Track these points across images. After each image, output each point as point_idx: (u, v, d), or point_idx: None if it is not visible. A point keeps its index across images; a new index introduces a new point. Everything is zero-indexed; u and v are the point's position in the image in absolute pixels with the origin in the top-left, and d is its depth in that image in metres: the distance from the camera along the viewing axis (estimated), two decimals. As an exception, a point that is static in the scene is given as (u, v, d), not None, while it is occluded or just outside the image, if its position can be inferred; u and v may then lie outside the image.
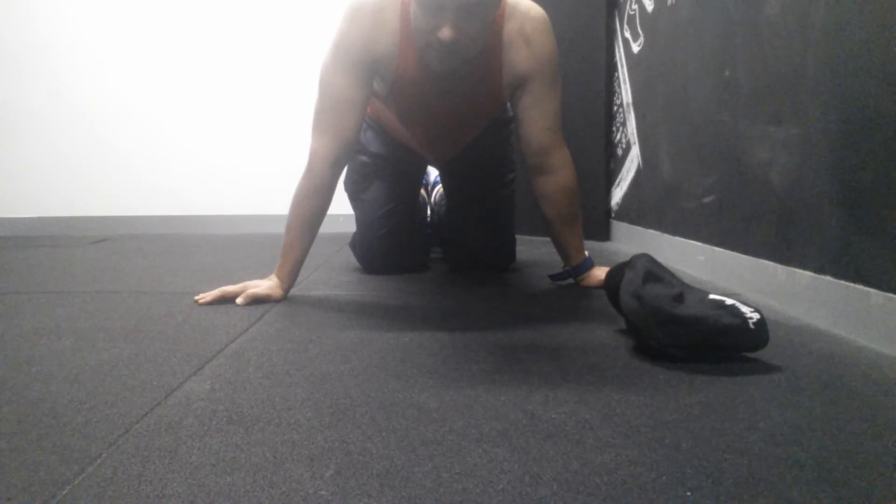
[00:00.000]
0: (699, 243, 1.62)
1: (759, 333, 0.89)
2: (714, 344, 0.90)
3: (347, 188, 1.78)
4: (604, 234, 2.45)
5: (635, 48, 2.16)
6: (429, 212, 2.09)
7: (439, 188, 2.08)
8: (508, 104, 1.73)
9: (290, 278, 1.37)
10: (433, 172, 2.16)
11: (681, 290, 0.94)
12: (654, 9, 1.96)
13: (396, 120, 1.58)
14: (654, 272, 0.98)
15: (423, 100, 1.44)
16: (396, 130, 1.66)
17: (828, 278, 1.09)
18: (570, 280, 1.52)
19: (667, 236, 1.85)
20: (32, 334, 1.09)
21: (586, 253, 1.51)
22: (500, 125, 1.72)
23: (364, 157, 1.74)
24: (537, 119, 1.42)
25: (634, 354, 0.95)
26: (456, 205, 1.82)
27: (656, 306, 0.91)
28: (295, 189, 1.36)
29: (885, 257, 0.95)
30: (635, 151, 2.18)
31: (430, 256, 1.97)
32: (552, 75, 1.41)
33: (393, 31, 1.32)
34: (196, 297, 1.33)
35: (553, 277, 1.55)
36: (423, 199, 2.03)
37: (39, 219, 3.11)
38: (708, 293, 0.95)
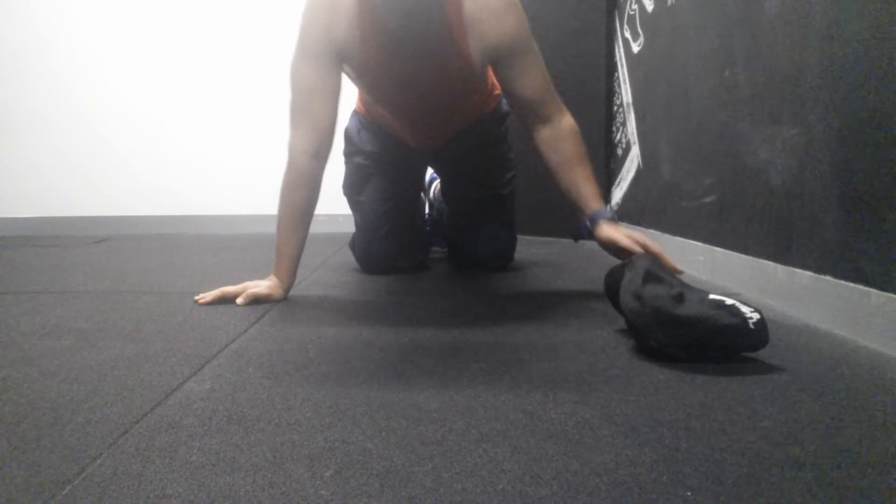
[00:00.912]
0: (699, 243, 1.62)
1: (760, 333, 0.89)
2: (714, 344, 0.90)
3: (345, 191, 1.78)
4: (604, 234, 2.45)
5: (635, 48, 2.16)
6: (427, 209, 2.09)
7: (437, 184, 2.08)
8: (505, 102, 1.74)
9: (289, 277, 1.37)
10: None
11: (681, 290, 0.94)
12: (654, 9, 1.96)
13: (381, 108, 1.58)
14: (653, 272, 0.98)
15: (393, 81, 1.43)
16: (388, 124, 1.66)
17: (828, 278, 1.08)
18: (593, 240, 1.37)
19: (667, 236, 1.85)
20: (32, 334, 1.09)
21: (607, 206, 1.37)
22: (495, 120, 1.71)
23: (359, 159, 1.74)
24: (523, 86, 1.39)
25: (634, 354, 0.95)
26: (455, 206, 1.82)
27: (656, 306, 0.91)
28: (280, 185, 1.36)
29: (885, 257, 0.95)
30: (635, 151, 2.18)
31: (430, 256, 1.97)
32: (526, 45, 1.37)
33: (350, 17, 1.31)
34: (196, 298, 1.33)
35: (574, 237, 1.43)
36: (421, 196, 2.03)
37: (39, 219, 3.11)
38: (708, 293, 0.95)
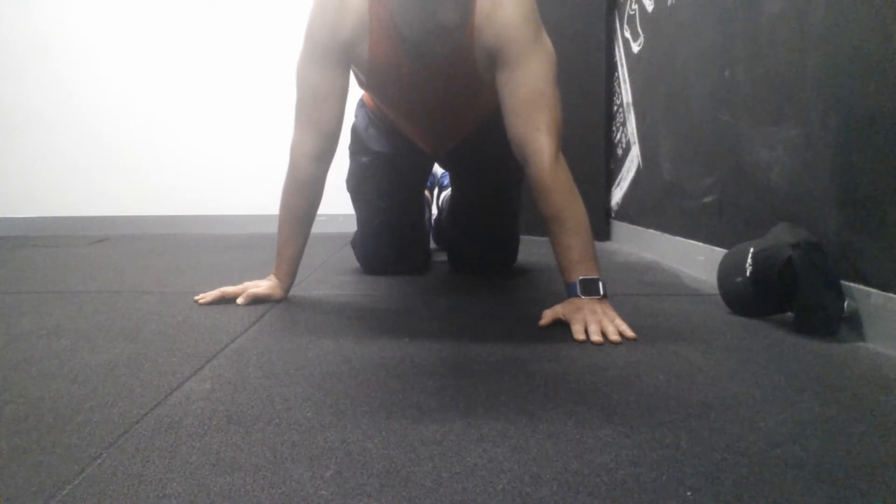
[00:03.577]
0: (699, 243, 1.62)
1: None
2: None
3: (349, 187, 1.78)
4: (604, 234, 2.45)
5: (635, 48, 2.16)
6: (434, 212, 2.09)
7: (446, 193, 2.07)
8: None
9: (289, 277, 1.37)
10: (439, 173, 2.17)
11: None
12: (654, 9, 1.96)
13: (386, 110, 1.55)
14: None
15: (401, 81, 1.39)
16: (397, 120, 1.64)
17: (828, 278, 1.08)
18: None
19: (667, 236, 1.85)
20: (32, 334, 1.09)
21: (587, 276, 1.14)
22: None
23: (365, 159, 1.72)
24: (507, 98, 1.23)
25: (634, 354, 0.95)
26: (460, 205, 1.81)
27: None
28: (282, 187, 1.35)
29: (885, 257, 0.95)
30: (635, 151, 2.18)
31: (431, 259, 1.97)
32: (524, 44, 1.21)
33: (360, 13, 1.27)
34: (196, 297, 1.33)
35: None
36: (427, 199, 2.03)
37: (39, 219, 3.11)
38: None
